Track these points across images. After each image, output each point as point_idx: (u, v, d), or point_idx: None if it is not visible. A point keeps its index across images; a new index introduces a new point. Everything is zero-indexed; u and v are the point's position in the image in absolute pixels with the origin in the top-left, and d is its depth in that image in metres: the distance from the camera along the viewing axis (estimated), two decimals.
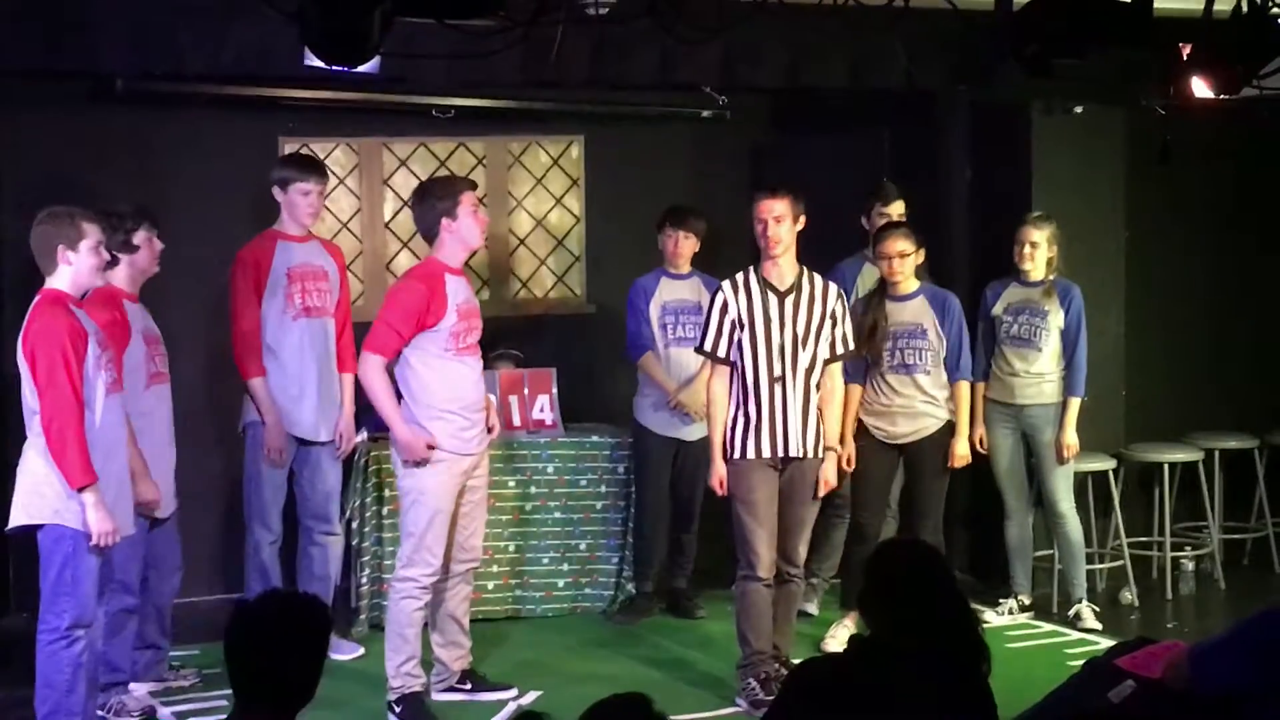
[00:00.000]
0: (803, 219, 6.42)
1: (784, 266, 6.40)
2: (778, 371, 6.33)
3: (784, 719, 3.87)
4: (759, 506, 6.34)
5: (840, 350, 6.50)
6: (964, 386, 7.19)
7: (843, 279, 7.63)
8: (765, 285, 6.39)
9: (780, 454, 6.36)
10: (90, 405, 5.54)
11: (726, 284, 6.44)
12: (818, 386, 6.43)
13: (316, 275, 7.00)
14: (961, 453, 7.18)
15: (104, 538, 5.50)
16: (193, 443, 6.77)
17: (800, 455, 6.37)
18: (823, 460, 6.46)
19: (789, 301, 6.37)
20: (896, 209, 7.60)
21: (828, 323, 6.41)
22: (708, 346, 6.44)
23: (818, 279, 6.47)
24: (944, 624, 3.91)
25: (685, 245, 7.69)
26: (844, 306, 6.53)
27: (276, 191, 6.98)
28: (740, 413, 6.37)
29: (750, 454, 6.35)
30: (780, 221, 6.34)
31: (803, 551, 6.54)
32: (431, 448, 6.13)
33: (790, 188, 6.44)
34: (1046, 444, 7.52)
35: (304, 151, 8.03)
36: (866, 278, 7.60)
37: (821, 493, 6.51)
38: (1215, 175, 8.70)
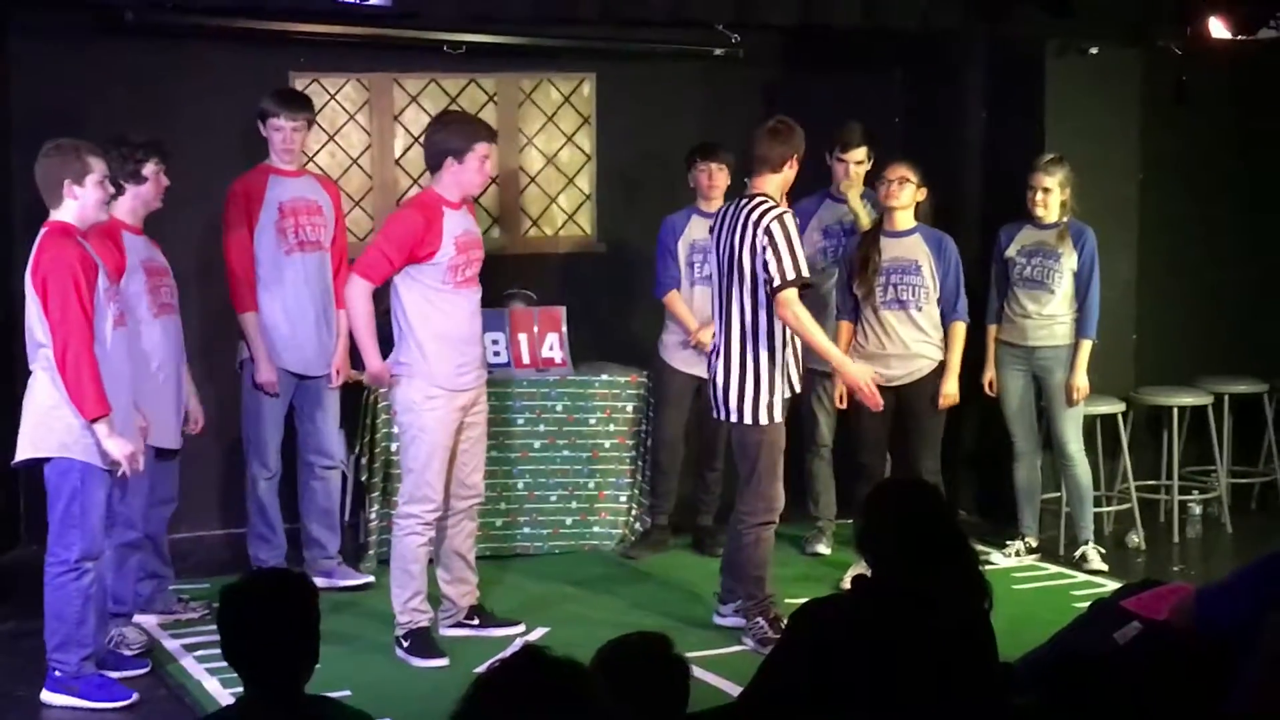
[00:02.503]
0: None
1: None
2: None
3: (790, 658, 3.88)
4: (783, 452, 6.40)
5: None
6: (960, 327, 7.16)
7: (800, 217, 7.64)
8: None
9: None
10: (100, 338, 5.54)
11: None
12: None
13: (310, 209, 6.99)
14: (949, 392, 7.13)
15: (129, 461, 5.51)
16: (196, 376, 6.77)
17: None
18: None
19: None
20: (855, 155, 7.56)
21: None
22: (800, 274, 6.21)
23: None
24: (944, 561, 3.90)
25: (720, 178, 7.64)
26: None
27: (261, 126, 6.97)
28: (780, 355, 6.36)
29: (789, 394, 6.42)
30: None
31: None
32: (394, 377, 6.17)
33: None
34: (1057, 386, 7.50)
35: (313, 88, 8.03)
36: (824, 216, 7.62)
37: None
38: (1231, 117, 8.63)
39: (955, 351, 7.15)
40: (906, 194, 7.02)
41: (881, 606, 3.84)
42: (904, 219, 7.08)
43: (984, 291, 7.76)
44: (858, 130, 7.59)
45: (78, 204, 5.58)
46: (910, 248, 7.06)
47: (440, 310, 6.14)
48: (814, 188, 7.74)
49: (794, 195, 7.78)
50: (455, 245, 6.15)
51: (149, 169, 6.32)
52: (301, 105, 7.10)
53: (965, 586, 3.93)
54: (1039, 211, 7.46)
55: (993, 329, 7.62)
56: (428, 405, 6.13)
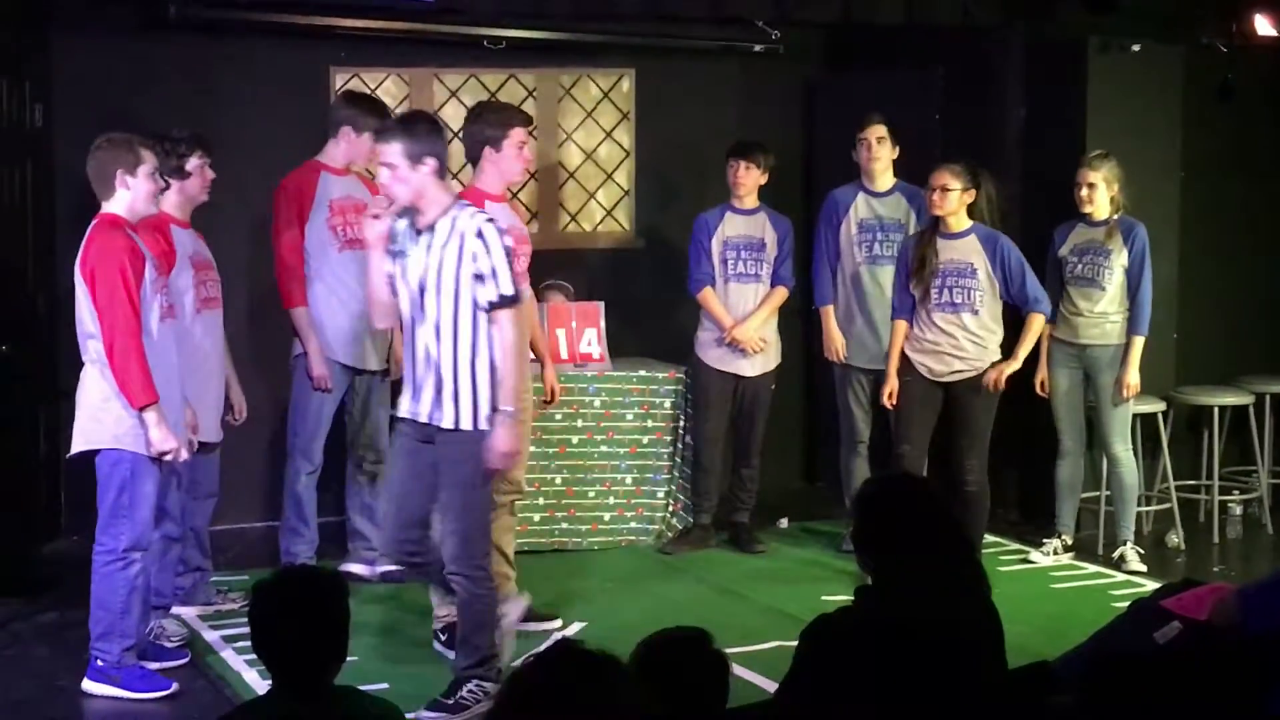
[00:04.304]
0: (430, 161, 5.30)
1: (424, 208, 5.36)
2: (408, 319, 5.47)
3: (807, 676, 3.84)
4: (392, 482, 5.66)
5: (493, 297, 5.32)
6: (1038, 320, 7.09)
7: (835, 206, 7.62)
8: (411, 223, 5.44)
9: (415, 419, 5.45)
10: (147, 329, 5.57)
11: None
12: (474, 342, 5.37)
13: (358, 208, 7.01)
14: (1006, 371, 7.01)
15: (167, 455, 5.55)
16: (240, 371, 6.80)
17: (436, 425, 5.39)
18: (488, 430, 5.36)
19: (423, 241, 5.38)
20: (874, 132, 7.50)
21: (469, 265, 5.29)
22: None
23: (465, 216, 5.34)
24: (941, 553, 3.87)
25: (746, 176, 7.63)
26: (490, 245, 5.29)
27: (348, 131, 6.95)
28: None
29: (401, 412, 5.57)
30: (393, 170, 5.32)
31: (452, 546, 5.43)
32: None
33: (401, 129, 5.40)
34: (1106, 385, 7.45)
35: (354, 83, 8.08)
36: (860, 208, 7.58)
37: (493, 470, 5.41)
38: (1274, 115, 8.58)
39: (1027, 339, 7.09)
40: (951, 200, 6.96)
41: (890, 612, 3.80)
42: (957, 221, 7.01)
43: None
44: (871, 114, 7.56)
45: (130, 195, 5.63)
46: (965, 249, 7.00)
47: None
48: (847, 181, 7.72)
49: (828, 186, 7.77)
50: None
51: (192, 163, 6.36)
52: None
53: (963, 573, 3.90)
54: (1086, 208, 7.42)
55: (1047, 329, 7.57)
56: None
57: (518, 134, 6.18)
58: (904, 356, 7.11)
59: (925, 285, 7.00)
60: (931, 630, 3.76)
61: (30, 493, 7.44)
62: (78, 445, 5.67)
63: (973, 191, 7.01)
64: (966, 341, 7.02)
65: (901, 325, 7.12)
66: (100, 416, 5.57)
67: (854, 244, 7.61)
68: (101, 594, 5.66)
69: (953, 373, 7.04)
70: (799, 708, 3.80)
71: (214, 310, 6.45)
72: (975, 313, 7.00)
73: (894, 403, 7.13)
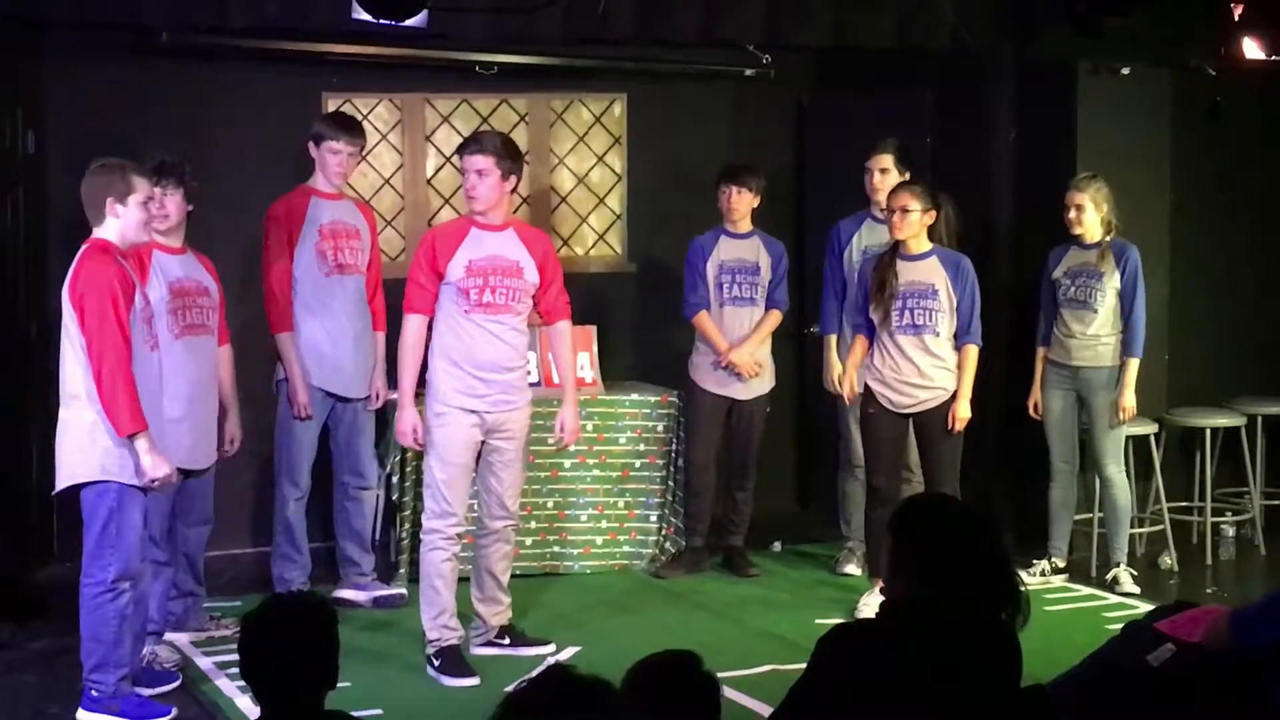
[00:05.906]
0: None
1: None
2: None
3: (821, 686, 3.84)
4: None
5: None
6: (972, 350, 6.95)
7: (838, 236, 7.63)
8: None
9: None
10: (135, 356, 5.55)
11: None
12: None
13: (349, 233, 7.04)
14: (961, 415, 6.92)
15: (158, 481, 5.54)
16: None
17: None
18: None
19: None
20: (879, 162, 7.48)
21: None
22: None
23: None
24: (984, 574, 3.86)
25: (739, 201, 7.64)
26: None
27: (311, 146, 7.02)
28: None
29: None
30: None
31: None
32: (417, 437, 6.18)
33: None
34: (1099, 407, 7.47)
35: (346, 108, 8.08)
36: (865, 236, 7.57)
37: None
38: (1262, 138, 8.62)
39: (967, 374, 6.95)
40: (912, 222, 6.86)
41: (913, 633, 3.79)
42: (918, 243, 6.93)
43: (1016, 314, 7.75)
44: (886, 140, 7.55)
45: (119, 223, 5.61)
46: (927, 271, 6.94)
47: (453, 332, 6.15)
48: (852, 209, 7.72)
49: (821, 208, 7.79)
50: (467, 268, 6.12)
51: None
52: (358, 131, 7.17)
53: (1004, 599, 3.88)
54: (1076, 230, 7.44)
55: (1042, 351, 7.59)
56: (437, 422, 6.17)
57: (462, 162, 6.22)
58: (866, 387, 7.01)
59: (885, 308, 6.90)
60: (955, 655, 3.74)
61: (22, 518, 7.42)
62: (63, 480, 5.60)
63: (933, 213, 6.91)
64: (930, 367, 6.92)
65: (861, 340, 7.04)
66: (86, 448, 5.52)
67: (856, 271, 7.59)
68: (93, 626, 5.60)
69: (917, 403, 6.96)
70: (807, 711, 3.79)
71: (201, 336, 6.40)
72: (937, 334, 6.92)
73: (851, 398, 7.10)
